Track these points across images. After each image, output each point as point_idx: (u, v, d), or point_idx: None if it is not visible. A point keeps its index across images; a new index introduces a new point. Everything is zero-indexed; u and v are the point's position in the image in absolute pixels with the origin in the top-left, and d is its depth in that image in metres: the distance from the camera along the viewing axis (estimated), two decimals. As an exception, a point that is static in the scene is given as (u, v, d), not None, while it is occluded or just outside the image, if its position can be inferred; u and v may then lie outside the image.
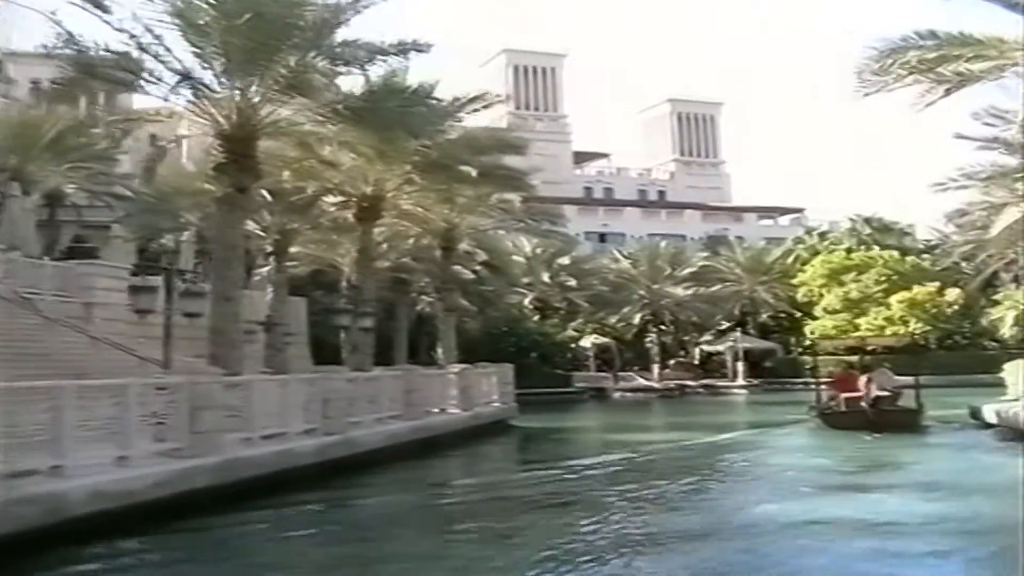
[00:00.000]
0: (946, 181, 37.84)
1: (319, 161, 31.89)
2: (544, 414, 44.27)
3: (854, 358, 42.73)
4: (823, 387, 36.89)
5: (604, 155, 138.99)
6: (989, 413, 29.98)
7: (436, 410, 34.14)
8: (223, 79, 25.23)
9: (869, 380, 33.03)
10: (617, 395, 67.64)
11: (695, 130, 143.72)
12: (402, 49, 26.35)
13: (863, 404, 31.89)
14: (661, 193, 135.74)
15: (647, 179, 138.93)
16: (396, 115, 25.82)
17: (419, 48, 26.22)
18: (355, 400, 27.14)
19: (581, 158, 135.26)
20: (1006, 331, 33.27)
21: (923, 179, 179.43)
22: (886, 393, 32.46)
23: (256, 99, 25.43)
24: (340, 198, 36.08)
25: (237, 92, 25.42)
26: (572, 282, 75.80)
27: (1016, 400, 29.30)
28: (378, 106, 25.84)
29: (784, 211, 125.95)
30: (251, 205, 27.42)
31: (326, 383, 25.49)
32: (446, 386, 36.06)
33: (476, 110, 33.82)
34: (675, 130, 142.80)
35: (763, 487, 21.21)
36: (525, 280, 74.74)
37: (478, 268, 58.18)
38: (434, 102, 29.51)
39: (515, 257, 73.32)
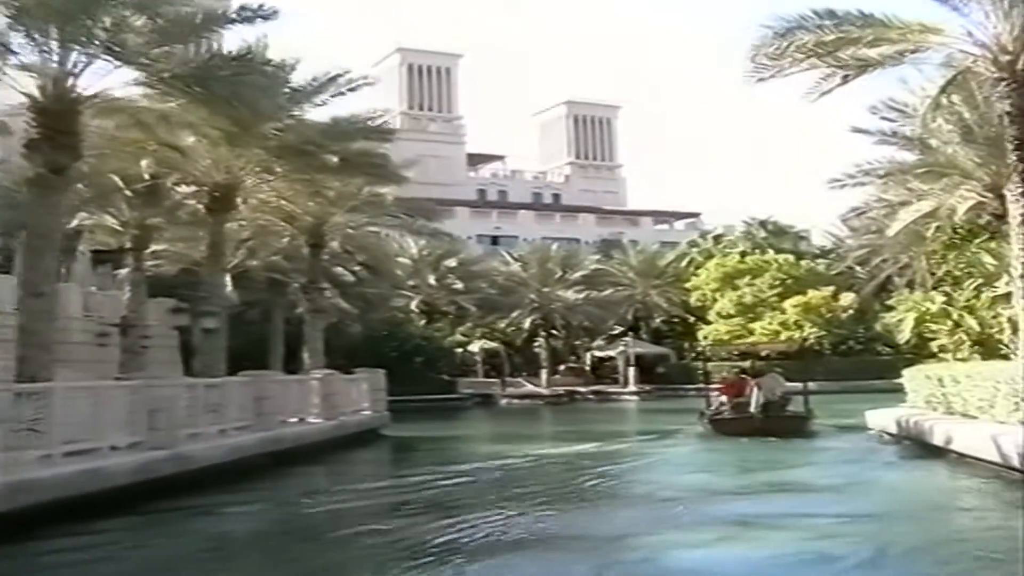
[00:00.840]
0: (843, 177, 35.77)
1: (159, 143, 28.58)
2: (422, 422, 42.19)
3: (747, 363, 42.30)
4: (713, 393, 36.39)
5: (499, 157, 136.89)
6: (888, 421, 27.78)
7: (294, 420, 31.24)
8: (35, 42, 21.93)
9: (757, 386, 32.72)
10: (504, 402, 65.17)
11: (591, 133, 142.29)
12: (245, 16, 23.35)
13: (751, 410, 31.74)
14: (556, 196, 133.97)
15: (542, 182, 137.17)
16: (226, 85, 22.69)
17: (265, 15, 23.17)
18: (194, 410, 24.16)
19: (476, 160, 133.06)
20: (907, 333, 31.10)
21: (820, 183, 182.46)
22: (775, 399, 32.37)
23: (73, 66, 22.18)
24: (193, 187, 32.84)
25: (52, 58, 22.15)
26: (459, 285, 72.96)
27: (917, 408, 27.22)
28: (208, 75, 22.69)
29: (680, 215, 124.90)
30: (68, 188, 24.01)
31: (153, 391, 22.34)
32: (307, 393, 33.11)
33: (341, 93, 30.80)
34: (571, 133, 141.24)
35: (621, 511, 18.47)
36: (411, 283, 72.04)
37: (357, 269, 55.37)
38: (273, 71, 26.34)
39: (401, 259, 71.23)
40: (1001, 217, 34.13)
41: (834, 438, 31.38)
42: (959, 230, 45.35)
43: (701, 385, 48.84)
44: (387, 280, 62.82)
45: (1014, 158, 24.37)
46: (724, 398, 34.37)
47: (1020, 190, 24.02)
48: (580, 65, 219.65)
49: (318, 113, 32.08)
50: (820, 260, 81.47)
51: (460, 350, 74.29)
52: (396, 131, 35.17)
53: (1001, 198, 34.08)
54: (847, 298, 71.71)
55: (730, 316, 72.40)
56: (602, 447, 30.48)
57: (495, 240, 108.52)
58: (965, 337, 28.66)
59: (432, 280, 73.48)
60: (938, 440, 22.42)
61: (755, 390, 32.42)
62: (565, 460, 27.17)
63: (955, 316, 29.56)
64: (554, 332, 79.33)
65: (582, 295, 77.31)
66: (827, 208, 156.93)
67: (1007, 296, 27.72)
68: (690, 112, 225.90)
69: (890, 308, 71.73)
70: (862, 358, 68.68)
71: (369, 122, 33.96)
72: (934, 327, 30.65)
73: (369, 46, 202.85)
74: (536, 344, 77.54)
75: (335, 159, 31.17)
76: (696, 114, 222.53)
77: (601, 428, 41.21)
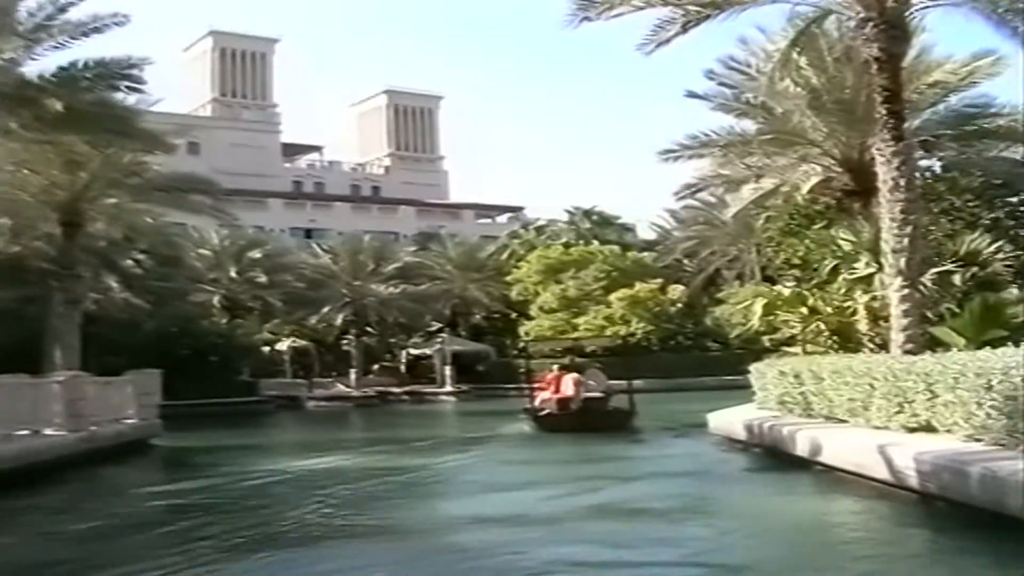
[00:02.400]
0: (677, 148, 31.80)
1: None
2: (208, 430, 36.92)
3: (569, 360, 40.69)
4: (535, 389, 35.20)
5: (317, 148, 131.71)
6: (734, 425, 23.56)
7: (24, 432, 25.40)
8: None
9: (578, 381, 32.22)
10: (311, 405, 59.81)
11: (412, 124, 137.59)
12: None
13: (573, 406, 31.31)
14: (375, 189, 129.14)
15: (361, 174, 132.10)
16: None
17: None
18: None
19: (292, 151, 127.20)
20: (755, 321, 27.02)
21: (649, 175, 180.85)
22: (597, 394, 32.12)
23: None
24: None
25: None
26: (263, 279, 67.16)
27: (769, 410, 23.12)
28: None
29: (503, 209, 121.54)
30: None
31: None
32: (44, 400, 27.23)
33: (83, 34, 25.21)
34: (391, 123, 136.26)
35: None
36: (212, 276, 66.56)
37: (141, 258, 49.75)
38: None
39: (202, 251, 67.02)
40: (853, 193, 30.73)
41: (673, 444, 27.23)
42: (795, 216, 42.70)
43: (523, 384, 46.55)
44: (183, 272, 58.11)
45: (883, 111, 20.48)
46: (546, 394, 33.21)
47: (892, 149, 20.09)
48: (402, 53, 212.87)
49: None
50: (647, 253, 78.54)
51: (267, 349, 69.44)
52: (144, 81, 28.42)
53: (852, 172, 30.69)
54: (676, 291, 68.57)
55: (553, 310, 68.65)
56: (391, 458, 25.62)
57: (308, 233, 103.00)
58: (823, 326, 24.59)
59: (234, 273, 67.56)
60: (802, 449, 18.17)
61: (579, 386, 31.92)
62: (329, 475, 22.03)
63: (810, 302, 25.51)
64: (368, 329, 74.60)
65: (397, 289, 72.65)
66: (654, 202, 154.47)
67: (867, 279, 23.92)
68: (516, 103, 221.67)
69: (720, 302, 69.53)
70: (691, 354, 66.11)
71: (122, 69, 28.09)
72: (784, 316, 26.53)
73: (182, 28, 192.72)
74: (344, 342, 72.36)
75: (58, 105, 25.26)
76: (523, 105, 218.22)
77: (403, 433, 36.71)
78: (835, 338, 24.50)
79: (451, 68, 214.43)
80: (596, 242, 76.30)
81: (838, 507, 14.89)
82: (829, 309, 25.19)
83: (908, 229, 19.86)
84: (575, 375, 33.22)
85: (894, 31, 20.39)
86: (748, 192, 33.51)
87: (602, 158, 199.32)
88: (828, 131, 29.97)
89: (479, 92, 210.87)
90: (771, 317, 27.43)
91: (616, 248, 73.81)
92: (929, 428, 15.74)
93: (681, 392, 52.06)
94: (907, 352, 19.24)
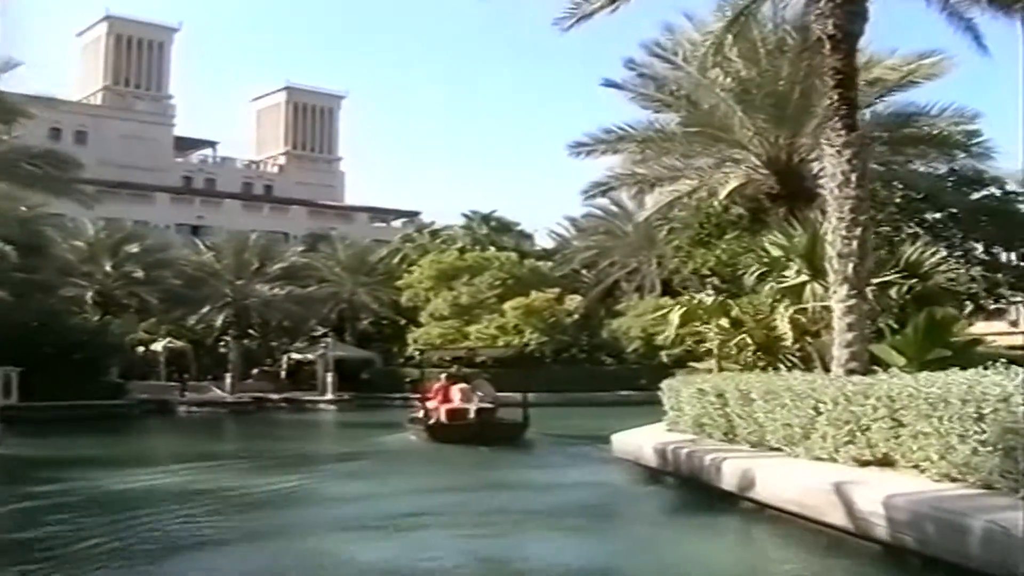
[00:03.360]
0: (590, 142, 28.86)
1: None
2: (60, 436, 33.16)
3: (457, 370, 39.65)
4: (422, 399, 34.62)
5: (211, 143, 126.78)
6: (643, 449, 20.38)
7: None
8: None
9: (466, 392, 31.75)
10: (183, 409, 55.76)
11: (311, 123, 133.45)
12: None
13: (469, 416, 30.49)
14: (268, 187, 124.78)
15: (255, 172, 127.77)
16: None
17: None
18: None
19: (185, 145, 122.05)
20: (671, 331, 23.78)
21: (550, 185, 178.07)
22: (487, 405, 31.35)
23: None
24: None
25: None
26: (140, 274, 62.78)
27: (683, 433, 20.08)
28: None
29: (398, 213, 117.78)
30: None
31: None
32: None
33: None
34: (290, 121, 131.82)
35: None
36: (85, 269, 62.53)
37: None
38: None
39: (76, 242, 63.10)
40: (778, 197, 28.13)
41: (572, 468, 23.94)
42: (706, 225, 40.39)
43: (409, 394, 46.09)
44: (51, 264, 54.23)
45: (835, 97, 17.65)
46: (431, 404, 32.75)
47: (843, 139, 17.26)
48: (304, 50, 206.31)
49: None
50: (544, 262, 75.66)
51: (142, 349, 65.42)
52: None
53: (779, 174, 28.05)
54: (573, 301, 65.66)
55: (444, 318, 65.18)
56: (238, 476, 22.05)
57: (196, 230, 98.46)
58: (748, 340, 21.58)
59: (109, 267, 63.21)
60: (728, 482, 15.14)
61: (467, 396, 31.36)
62: (147, 498, 18.43)
63: (734, 313, 22.51)
64: (251, 331, 70.60)
65: (283, 291, 68.79)
66: (554, 212, 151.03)
67: (797, 289, 21.08)
68: (419, 106, 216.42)
69: (618, 314, 66.85)
70: (585, 368, 63.15)
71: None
72: (701, 327, 23.44)
73: (77, 11, 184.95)
74: (221, 344, 68.34)
75: None
76: (426, 109, 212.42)
77: (268, 445, 33.46)
78: (759, 354, 21.50)
79: (354, 69, 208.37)
80: (493, 248, 73.04)
81: (782, 561, 11.85)
82: (752, 322, 22.23)
83: (858, 231, 17.07)
84: (463, 385, 32.72)
85: (851, 7, 17.61)
86: (664, 194, 30.60)
87: (504, 166, 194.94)
88: (756, 129, 27.29)
89: (383, 93, 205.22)
90: (687, 328, 24.27)
91: (513, 255, 70.57)
92: (886, 462, 12.98)
93: (575, 407, 50.00)
94: (850, 371, 16.46)
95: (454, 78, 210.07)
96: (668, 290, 68.91)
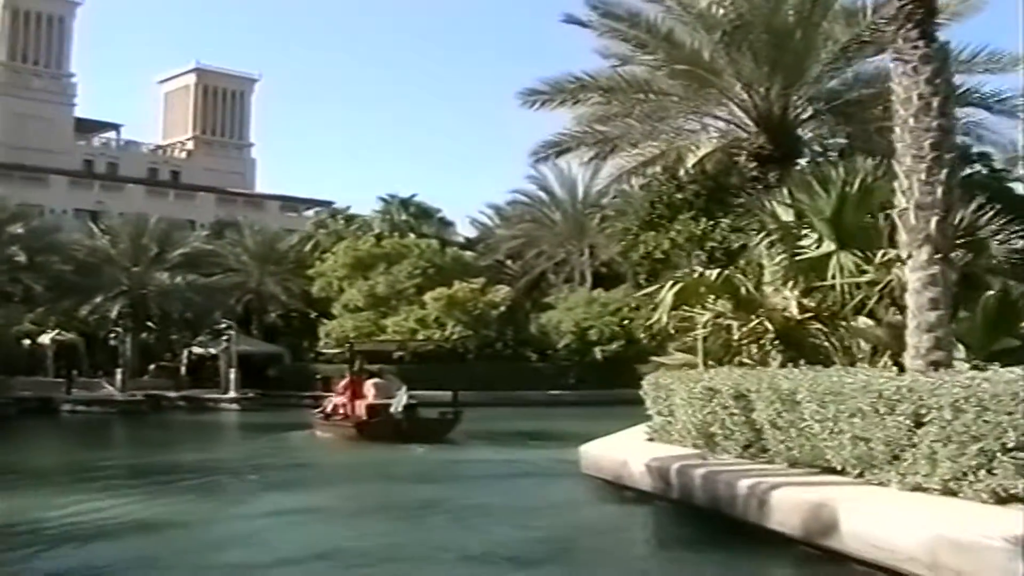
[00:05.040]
0: (547, 90, 24.04)
1: None
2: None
3: (375, 366, 36.88)
4: (335, 395, 34.28)
5: (115, 126, 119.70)
6: (628, 466, 15.35)
7: None
8: None
9: (380, 387, 31.65)
10: (67, 408, 50.13)
11: (222, 107, 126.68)
12: None
13: (393, 411, 29.67)
14: (175, 174, 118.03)
15: (161, 157, 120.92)
16: None
17: None
18: None
19: (87, 127, 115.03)
20: (664, 315, 18.71)
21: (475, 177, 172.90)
22: (407, 401, 30.18)
23: None
24: None
25: None
26: (22, 257, 56.76)
27: (681, 446, 15.25)
28: None
29: (312, 203, 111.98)
30: None
31: None
32: None
33: None
34: (199, 105, 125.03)
35: None
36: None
37: None
38: None
39: None
40: (770, 160, 23.54)
41: (534, 486, 18.93)
42: (657, 205, 36.06)
43: (320, 392, 42.90)
44: None
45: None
46: (338, 400, 32.95)
47: (921, 52, 12.78)
48: (216, 30, 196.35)
49: None
50: (468, 253, 70.92)
51: (28, 342, 60.55)
52: None
53: (771, 132, 23.45)
54: (500, 292, 60.96)
55: (359, 309, 60.32)
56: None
57: (95, 217, 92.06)
58: (768, 325, 16.54)
59: (-13, 251, 57.14)
60: (784, 522, 10.41)
61: (394, 391, 30.84)
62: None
63: (745, 292, 17.45)
64: (149, 324, 64.69)
65: (185, 280, 63.02)
66: (477, 200, 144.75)
67: (821, 262, 16.42)
68: (338, 93, 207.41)
69: (547, 307, 62.33)
70: (512, 364, 58.79)
71: None
72: (695, 310, 18.19)
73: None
74: (112, 337, 62.58)
75: None
76: (346, 95, 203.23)
77: (146, 456, 28.01)
78: (777, 343, 16.54)
79: (268, 50, 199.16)
80: (412, 235, 68.03)
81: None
82: (764, 303, 17.37)
83: (942, 174, 12.56)
84: (378, 380, 32.38)
85: None
86: (627, 158, 25.91)
87: (425, 155, 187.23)
88: (747, 76, 22.66)
89: (299, 76, 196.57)
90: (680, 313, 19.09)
91: (434, 243, 65.78)
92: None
93: (503, 407, 46.19)
94: (933, 364, 11.78)
95: (374, 61, 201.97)
96: (600, 282, 64.94)
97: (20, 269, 57.24)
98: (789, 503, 10.46)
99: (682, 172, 29.25)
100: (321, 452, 30.47)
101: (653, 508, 14.17)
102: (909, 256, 12.64)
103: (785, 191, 19.14)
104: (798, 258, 16.88)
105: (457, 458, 25.12)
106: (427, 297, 58.27)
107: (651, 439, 17.01)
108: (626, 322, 45.33)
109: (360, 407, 31.06)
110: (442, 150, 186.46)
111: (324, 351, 53.08)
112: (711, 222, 35.14)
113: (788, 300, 17.41)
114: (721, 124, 24.67)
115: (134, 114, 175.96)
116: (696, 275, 18.32)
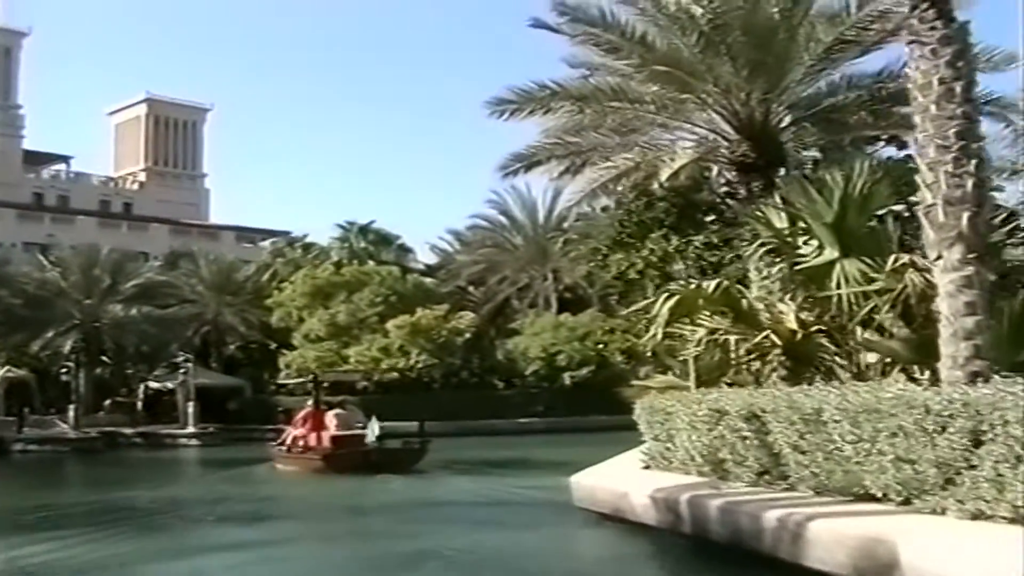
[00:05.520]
0: (514, 98, 22.81)
1: None
2: None
3: (338, 397, 37.35)
4: (296, 426, 33.41)
5: (65, 158, 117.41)
6: (630, 497, 14.03)
7: None
8: None
9: (342, 418, 31.45)
10: (18, 448, 48.23)
11: (174, 137, 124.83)
12: None
13: (368, 441, 29.24)
14: (127, 206, 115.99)
15: (112, 189, 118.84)
16: None
17: None
18: None
19: (36, 160, 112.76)
20: (659, 331, 17.29)
21: (433, 203, 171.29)
22: (368, 431, 29.75)
23: None
24: None
25: None
26: (-30, 292, 55.02)
27: (683, 474, 13.99)
28: None
29: (267, 233, 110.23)
30: None
31: None
32: None
33: None
34: (151, 136, 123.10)
35: None
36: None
37: None
38: None
39: None
40: (752, 169, 22.43)
41: (524, 524, 17.43)
42: (627, 224, 35.39)
43: (281, 425, 40.44)
44: None
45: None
46: (299, 432, 32.53)
47: (940, 33, 11.64)
48: (167, 58, 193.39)
49: None
50: (429, 279, 69.62)
51: None
52: None
53: (753, 139, 22.32)
54: (465, 318, 59.69)
55: (320, 339, 58.85)
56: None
57: (45, 250, 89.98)
58: (775, 339, 15.25)
59: (-69, 286, 55.29)
60: (833, 559, 9.13)
61: (354, 422, 31.00)
62: None
63: (746, 306, 16.16)
64: (103, 358, 62.75)
65: (140, 312, 61.26)
66: (436, 227, 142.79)
67: (823, 271, 15.26)
68: (292, 120, 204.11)
69: (513, 332, 61.16)
70: (478, 392, 57.63)
71: None
72: (688, 330, 16.81)
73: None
74: (63, 371, 60.65)
75: None
76: (299, 122, 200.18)
77: (72, 496, 26.72)
78: (784, 359, 15.28)
79: (219, 80, 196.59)
80: (372, 263, 66.64)
81: None
82: (766, 315, 16.13)
83: (971, 165, 11.38)
84: (339, 411, 32.31)
85: None
86: (599, 171, 24.68)
87: (381, 183, 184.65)
88: (726, 81, 21.57)
89: (251, 105, 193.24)
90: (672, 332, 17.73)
91: (395, 270, 64.37)
92: None
93: (472, 436, 45.01)
94: (973, 375, 10.64)
95: (326, 86, 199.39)
96: (565, 306, 63.89)
97: (-33, 304, 55.50)
98: (831, 536, 9.26)
99: (656, 185, 28.07)
100: (286, 486, 29.46)
101: (665, 545, 12.82)
102: (938, 257, 11.49)
103: (777, 197, 18.07)
104: (798, 267, 15.73)
105: (434, 493, 23.79)
106: (390, 325, 56.95)
107: (647, 467, 15.75)
108: (600, 346, 44.12)
109: (325, 438, 30.70)
110: (399, 175, 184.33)
111: (285, 382, 51.49)
112: (684, 239, 34.22)
113: (785, 314, 16.28)
114: (699, 132, 23.46)
115: (84, 145, 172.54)
116: (693, 287, 16.98)
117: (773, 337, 15.22)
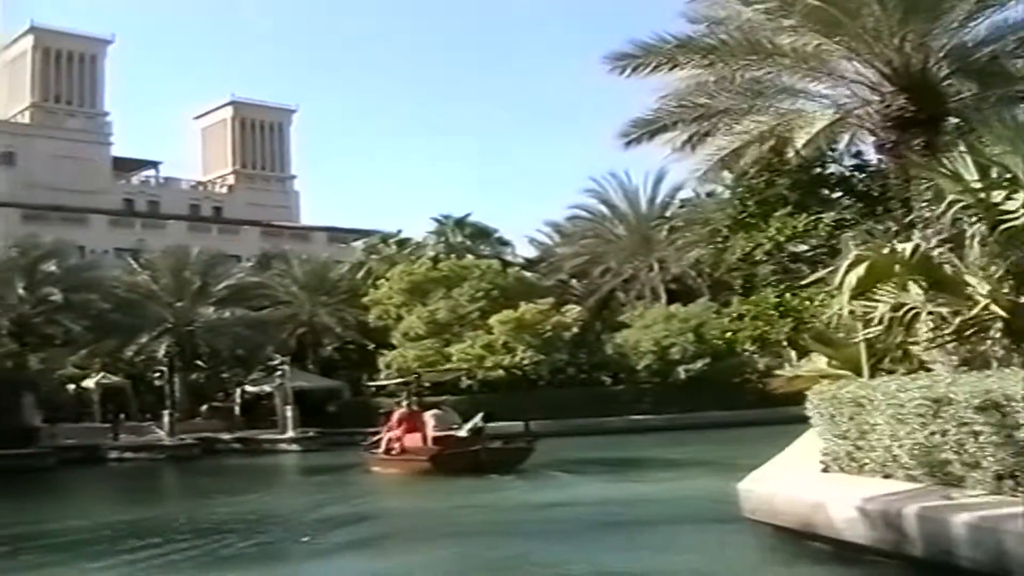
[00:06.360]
0: (638, 52, 20.16)
1: None
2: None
3: (441, 397, 39.07)
4: (392, 428, 33.37)
5: (154, 164, 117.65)
6: (831, 509, 11.19)
7: None
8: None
9: (440, 418, 31.43)
10: (114, 456, 46.86)
11: (261, 140, 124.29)
12: None
13: (469, 443, 29.65)
14: (217, 209, 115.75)
15: (201, 193, 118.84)
16: None
17: None
18: None
19: (125, 166, 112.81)
20: (845, 301, 14.54)
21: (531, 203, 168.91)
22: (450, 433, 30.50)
23: None
24: None
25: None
26: (58, 297, 53.32)
27: (891, 478, 11.15)
28: None
29: (359, 233, 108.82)
30: None
31: None
32: None
33: None
34: (237, 139, 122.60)
35: None
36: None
37: None
38: None
39: None
40: (914, 123, 19.43)
41: (694, 542, 14.25)
42: (747, 201, 32.48)
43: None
44: None
45: None
46: (394, 434, 32.64)
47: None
48: (248, 64, 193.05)
49: None
50: (528, 273, 67.34)
51: (72, 387, 58.13)
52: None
53: (912, 91, 19.34)
54: (572, 312, 57.29)
55: (420, 337, 56.86)
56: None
57: (137, 256, 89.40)
58: (998, 311, 12.23)
59: (22, 290, 53.76)
60: None
61: (452, 423, 31.27)
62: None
63: (951, 273, 13.23)
64: (198, 362, 61.31)
65: (232, 315, 59.63)
66: (533, 222, 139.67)
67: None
68: (384, 121, 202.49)
69: (622, 326, 58.43)
70: (587, 389, 55.40)
71: None
72: (880, 299, 13.88)
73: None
74: (156, 377, 59.36)
75: None
76: (392, 123, 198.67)
77: (166, 510, 24.54)
78: (1006, 339, 12.39)
79: (305, 80, 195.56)
80: (470, 256, 64.49)
81: None
82: (982, 284, 13.14)
83: None
84: (436, 411, 32.42)
85: None
86: (730, 137, 21.89)
87: (475, 178, 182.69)
88: (881, 21, 18.63)
89: (336, 105, 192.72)
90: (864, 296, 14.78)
91: (495, 263, 62.18)
92: None
93: (584, 436, 43.54)
94: None
95: (410, 82, 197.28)
96: (674, 297, 61.09)
97: (57, 309, 53.85)
98: None
99: (792, 153, 25.04)
100: (399, 496, 27.83)
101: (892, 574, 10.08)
102: None
103: (962, 146, 15.07)
104: (1004, 226, 12.76)
105: (565, 498, 21.24)
106: (493, 320, 54.74)
107: (826, 469, 12.92)
108: (728, 334, 41.24)
109: (427, 439, 30.88)
110: (493, 168, 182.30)
111: (384, 383, 49.52)
112: (812, 217, 31.43)
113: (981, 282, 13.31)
114: (841, 90, 20.55)
115: (171, 150, 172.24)
116: (887, 251, 14.05)
117: (995, 308, 12.25)
